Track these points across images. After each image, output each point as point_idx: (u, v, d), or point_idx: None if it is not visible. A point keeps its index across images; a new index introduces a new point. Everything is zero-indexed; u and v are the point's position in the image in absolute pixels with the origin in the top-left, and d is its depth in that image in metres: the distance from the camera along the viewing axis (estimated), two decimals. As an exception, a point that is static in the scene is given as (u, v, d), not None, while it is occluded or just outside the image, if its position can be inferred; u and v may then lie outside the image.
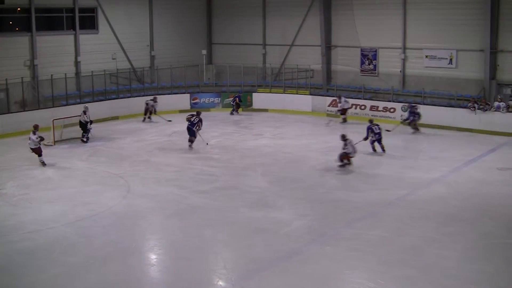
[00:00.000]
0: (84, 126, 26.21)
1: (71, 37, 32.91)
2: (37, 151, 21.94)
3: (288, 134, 27.47)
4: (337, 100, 30.57)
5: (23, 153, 23.42)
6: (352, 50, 34.06)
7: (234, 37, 38.92)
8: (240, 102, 32.98)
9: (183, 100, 33.77)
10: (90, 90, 32.33)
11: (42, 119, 26.46)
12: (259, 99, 34.05)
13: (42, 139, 21.99)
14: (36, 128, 22.07)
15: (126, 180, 19.67)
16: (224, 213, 16.72)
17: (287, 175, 20.53)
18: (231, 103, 33.18)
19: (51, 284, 12.34)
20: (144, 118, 30.68)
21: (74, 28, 32.93)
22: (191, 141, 24.49)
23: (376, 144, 23.42)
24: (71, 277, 12.65)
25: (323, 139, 26.41)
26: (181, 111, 32.79)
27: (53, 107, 29.69)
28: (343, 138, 21.31)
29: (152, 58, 36.95)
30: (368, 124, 23.67)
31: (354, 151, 21.27)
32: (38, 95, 30.27)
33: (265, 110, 33.65)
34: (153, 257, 14.21)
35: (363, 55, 33.71)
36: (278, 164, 22.08)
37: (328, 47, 34.89)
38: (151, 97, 31.27)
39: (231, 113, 32.63)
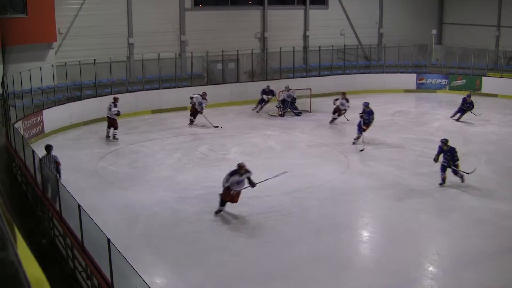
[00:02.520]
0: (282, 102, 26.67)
1: (301, 12, 33.39)
2: (114, 123, 21.73)
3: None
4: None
5: (248, 122, 24.20)
6: None
7: (466, 17, 36.59)
8: None
9: (409, 80, 32.77)
10: (316, 65, 32.58)
11: (268, 90, 27.23)
12: (488, 83, 31.92)
13: (118, 113, 21.63)
14: (116, 100, 21.97)
15: (345, 156, 19.50)
16: (442, 198, 15.87)
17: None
18: None
19: (263, 250, 12.51)
20: (191, 120, 24.47)
21: (304, 3, 33.34)
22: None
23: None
24: (283, 245, 12.74)
25: None
26: (406, 91, 31.93)
27: (280, 79, 30.32)
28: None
29: (380, 35, 36.25)
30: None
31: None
32: (266, 67, 31.14)
33: (495, 96, 31.40)
34: (365, 234, 13.90)
35: None
36: (504, 153, 20.42)
37: None
38: (200, 92, 24.71)
39: None
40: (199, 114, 24.05)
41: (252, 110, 26.81)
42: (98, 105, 24.36)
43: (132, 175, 17.73)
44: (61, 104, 23.80)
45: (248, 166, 14.55)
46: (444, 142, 16.88)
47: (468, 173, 16.49)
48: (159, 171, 18.20)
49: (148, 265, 11.53)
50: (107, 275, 9.34)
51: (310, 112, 26.85)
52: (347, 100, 24.47)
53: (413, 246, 12.91)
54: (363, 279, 11.49)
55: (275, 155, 19.90)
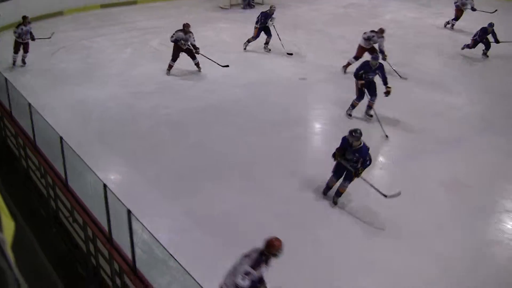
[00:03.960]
0: None
1: None
2: (27, 47, 17.73)
3: (471, 15, 25.36)
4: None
5: (200, 15, 23.80)
6: None
7: None
8: None
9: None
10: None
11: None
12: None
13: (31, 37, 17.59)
14: (25, 20, 17.28)
15: (299, 48, 19.46)
16: (397, 90, 16.04)
17: (464, 59, 19.25)
18: None
19: (219, 143, 12.62)
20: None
21: None
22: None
23: None
24: (239, 138, 12.92)
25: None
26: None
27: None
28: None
29: None
30: None
31: None
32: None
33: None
34: (317, 126, 14.22)
35: None
36: (456, 47, 20.68)
37: None
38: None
39: None
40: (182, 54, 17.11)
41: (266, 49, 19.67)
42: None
43: (84, 71, 17.43)
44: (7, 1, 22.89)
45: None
46: (356, 135, 9.73)
47: (385, 196, 10.09)
48: (111, 66, 17.91)
49: (103, 162, 11.56)
50: (61, 173, 9.39)
51: (262, 4, 26.50)
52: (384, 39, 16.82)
53: (364, 138, 13.17)
54: (314, 171, 11.68)
55: (228, 48, 19.72)
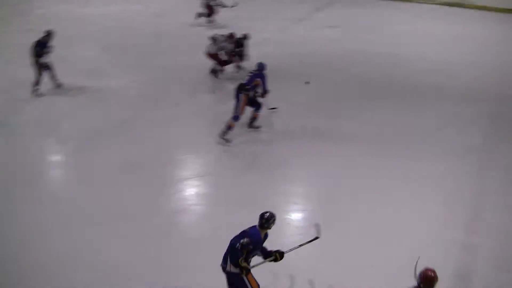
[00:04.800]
0: None
1: None
2: None
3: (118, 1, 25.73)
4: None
5: None
6: None
7: None
8: None
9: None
10: None
11: None
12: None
13: None
14: None
15: None
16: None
17: (118, 43, 19.67)
18: None
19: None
20: None
21: None
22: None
23: None
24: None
25: (153, 5, 25.14)
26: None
27: None
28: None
29: None
30: None
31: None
32: None
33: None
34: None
35: None
36: (108, 32, 20.85)
37: None
38: None
39: None
40: None
41: None
42: None
43: None
44: None
45: None
46: (274, 217, 7.00)
47: (318, 237, 7.55)
48: None
49: None
50: None
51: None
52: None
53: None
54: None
55: None
